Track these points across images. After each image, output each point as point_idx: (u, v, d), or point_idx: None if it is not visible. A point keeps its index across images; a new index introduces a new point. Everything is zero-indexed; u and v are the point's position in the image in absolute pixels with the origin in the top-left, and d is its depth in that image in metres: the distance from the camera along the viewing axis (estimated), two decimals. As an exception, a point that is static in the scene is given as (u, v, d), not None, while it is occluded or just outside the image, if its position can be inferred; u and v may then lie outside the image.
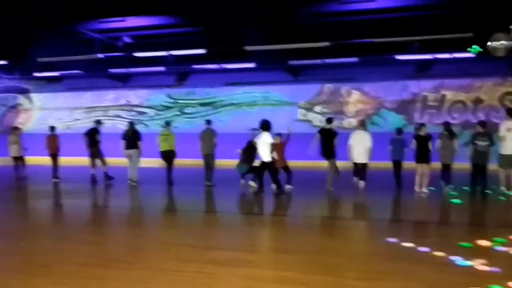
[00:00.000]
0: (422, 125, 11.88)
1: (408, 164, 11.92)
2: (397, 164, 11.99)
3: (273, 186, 11.59)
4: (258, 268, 5.52)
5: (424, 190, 11.41)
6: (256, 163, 12.06)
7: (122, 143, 13.43)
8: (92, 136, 13.83)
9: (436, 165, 11.71)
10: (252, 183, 12.21)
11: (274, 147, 11.40)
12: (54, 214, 10.24)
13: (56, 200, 12.11)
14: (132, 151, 13.36)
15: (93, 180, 13.86)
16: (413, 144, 11.53)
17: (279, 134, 12.16)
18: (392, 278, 5.09)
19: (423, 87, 18.70)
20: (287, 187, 11.86)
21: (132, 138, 13.40)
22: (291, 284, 4.93)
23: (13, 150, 15.18)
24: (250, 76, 20.10)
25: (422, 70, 18.40)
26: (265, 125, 11.49)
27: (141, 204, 11.37)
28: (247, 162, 12.38)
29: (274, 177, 11.47)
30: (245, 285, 4.92)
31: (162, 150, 13.29)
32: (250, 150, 12.35)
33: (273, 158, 11.40)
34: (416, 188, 11.50)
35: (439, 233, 7.88)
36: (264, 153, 11.35)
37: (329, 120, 12.49)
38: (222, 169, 13.32)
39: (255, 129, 12.41)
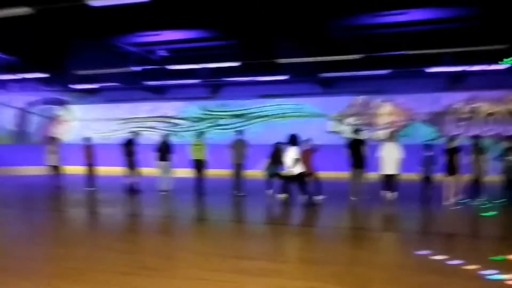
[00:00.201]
0: (453, 137, 11.86)
1: (438, 176, 11.82)
2: (428, 179, 11.84)
3: (304, 197, 11.71)
4: (288, 278, 5.54)
5: (454, 202, 11.34)
6: (284, 173, 12.16)
7: (155, 155, 13.85)
8: (129, 147, 14.19)
9: (467, 177, 11.64)
10: (280, 195, 12.30)
11: (302, 157, 11.55)
12: (90, 223, 10.51)
13: (91, 208, 12.44)
14: (164, 163, 13.78)
15: (130, 189, 14.17)
16: (443, 157, 11.48)
17: (307, 141, 12.31)
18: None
19: (455, 99, 18.53)
20: (317, 198, 12.00)
21: (164, 151, 13.80)
22: (320, 294, 4.98)
23: (51, 160, 15.69)
24: (282, 89, 20.30)
25: (454, 82, 18.27)
26: (293, 140, 11.62)
27: (172, 214, 11.54)
28: (275, 164, 12.53)
29: (304, 188, 11.60)
30: (274, 294, 4.99)
31: (194, 159, 13.63)
32: (276, 153, 12.56)
33: (302, 171, 11.55)
34: (447, 201, 11.43)
35: (471, 246, 7.79)
36: (291, 166, 11.51)
37: (357, 131, 12.51)
38: (253, 180, 13.46)
39: (279, 143, 12.64)
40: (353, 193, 12.02)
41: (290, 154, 11.44)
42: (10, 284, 5.45)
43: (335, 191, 13.48)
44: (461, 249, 7.53)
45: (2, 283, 5.48)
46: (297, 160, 11.36)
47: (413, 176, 12.14)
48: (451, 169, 11.34)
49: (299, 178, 11.54)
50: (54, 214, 11.48)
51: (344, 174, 12.67)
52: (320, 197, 12.03)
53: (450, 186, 11.46)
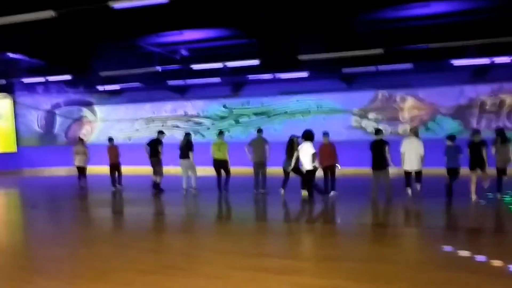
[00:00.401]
0: (476, 131, 11.67)
1: (463, 170, 11.64)
2: (453, 171, 11.48)
3: (304, 192, 11.78)
4: (309, 275, 5.56)
5: (480, 196, 11.20)
6: (299, 168, 12.15)
7: (178, 153, 13.99)
8: (154, 146, 14.31)
9: (492, 171, 11.47)
10: (303, 192, 12.24)
11: (323, 151, 11.57)
12: (114, 222, 10.71)
13: (116, 208, 12.65)
14: (185, 161, 13.83)
15: (154, 188, 14.34)
16: (467, 151, 11.31)
17: (326, 134, 12.30)
18: (448, 287, 5.07)
19: (480, 92, 18.25)
20: (331, 193, 12.06)
21: (185, 149, 13.87)
22: (344, 291, 4.97)
23: (78, 160, 15.96)
24: (304, 85, 20.25)
25: (479, 75, 17.97)
26: (308, 135, 11.66)
27: (195, 212, 11.65)
28: (290, 158, 12.51)
29: (309, 184, 11.64)
30: (297, 292, 4.99)
31: (215, 158, 13.69)
32: (290, 146, 12.49)
33: (315, 167, 11.56)
34: (472, 195, 11.28)
35: (497, 241, 7.68)
36: (306, 162, 11.49)
37: (378, 131, 12.25)
38: (275, 177, 13.48)
39: (294, 136, 12.61)
40: (374, 193, 11.87)
41: (305, 150, 11.44)
42: (35, 283, 5.59)
43: (357, 187, 13.43)
44: (487, 244, 7.43)
45: (28, 282, 5.63)
46: (312, 156, 11.35)
47: (438, 170, 12.02)
48: (477, 163, 11.17)
49: (309, 174, 11.55)
50: (79, 214, 11.71)
51: (366, 170, 12.56)
52: (333, 193, 12.12)
53: (476, 180, 11.30)
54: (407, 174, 11.98)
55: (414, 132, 12.24)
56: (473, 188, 11.28)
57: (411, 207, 11.12)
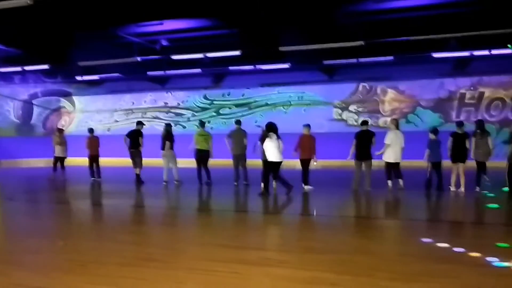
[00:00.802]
0: (461, 123, 11.73)
1: (445, 162, 11.72)
2: (438, 165, 11.60)
3: (277, 183, 11.76)
4: (290, 268, 5.50)
5: (461, 189, 11.30)
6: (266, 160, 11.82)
7: (161, 144, 13.79)
8: (134, 137, 14.10)
9: (472, 164, 11.57)
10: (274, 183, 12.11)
11: (302, 143, 11.70)
12: (93, 214, 10.53)
13: (94, 200, 12.50)
14: (166, 152, 13.66)
15: (135, 180, 14.19)
16: (449, 142, 11.38)
17: (308, 125, 12.27)
18: (427, 279, 5.01)
19: (460, 84, 18.46)
20: (306, 188, 12.07)
21: (167, 141, 13.70)
22: (323, 284, 4.90)
23: (57, 151, 15.72)
24: (285, 77, 20.24)
25: (459, 68, 18.13)
26: (271, 128, 11.48)
27: (176, 204, 11.56)
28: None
29: (278, 176, 11.54)
30: (277, 285, 4.93)
31: (199, 148, 13.52)
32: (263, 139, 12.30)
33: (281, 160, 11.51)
34: (452, 187, 11.38)
35: (475, 233, 7.76)
36: (270, 154, 11.37)
37: (365, 122, 12.47)
38: (256, 169, 13.42)
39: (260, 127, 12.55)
40: (356, 183, 11.95)
41: (270, 142, 11.36)
42: (11, 275, 5.47)
43: (338, 179, 13.46)
44: (466, 236, 7.52)
45: (5, 275, 5.50)
46: (278, 148, 11.30)
47: (418, 163, 12.09)
48: (459, 155, 11.23)
49: (276, 166, 11.46)
50: (58, 206, 11.52)
51: (348, 162, 12.58)
52: (307, 187, 12.13)
53: (457, 172, 11.38)
54: (389, 166, 12.01)
55: (395, 124, 12.28)
56: (454, 179, 11.36)
57: (391, 199, 11.18)
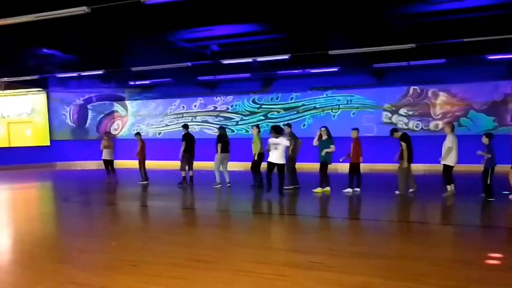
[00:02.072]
0: None
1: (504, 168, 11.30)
2: (487, 170, 10.99)
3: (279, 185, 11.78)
4: (338, 272, 5.51)
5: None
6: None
7: (216, 147, 13.75)
8: (188, 141, 14.36)
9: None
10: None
11: (352, 147, 11.76)
12: (144, 216, 10.82)
13: (145, 202, 12.79)
14: (221, 156, 13.65)
15: (185, 183, 14.43)
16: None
17: (356, 129, 12.23)
18: (478, 286, 4.96)
19: (516, 87, 17.86)
20: (349, 190, 12.07)
21: (217, 143, 13.71)
22: (371, 289, 4.91)
23: (105, 154, 16.15)
24: (334, 80, 20.17)
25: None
26: (276, 130, 11.70)
27: (226, 207, 11.65)
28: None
29: (282, 179, 11.71)
30: (323, 288, 4.95)
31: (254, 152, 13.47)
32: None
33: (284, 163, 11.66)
34: (512, 193, 10.95)
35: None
36: (277, 156, 11.49)
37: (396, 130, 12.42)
38: (305, 173, 13.40)
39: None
40: (403, 187, 11.78)
41: (277, 145, 11.49)
42: (65, 274, 5.70)
43: (386, 183, 13.27)
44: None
45: (58, 273, 5.75)
46: (282, 150, 11.51)
47: (471, 167, 11.77)
48: None
49: (280, 169, 11.59)
50: (110, 207, 11.87)
51: (395, 166, 12.37)
52: (358, 190, 12.16)
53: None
54: (450, 170, 11.69)
55: (451, 128, 11.92)
56: None
57: (444, 204, 10.92)
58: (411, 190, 11.90)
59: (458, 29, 13.81)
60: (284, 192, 11.83)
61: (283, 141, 11.54)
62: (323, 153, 12.20)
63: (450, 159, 11.55)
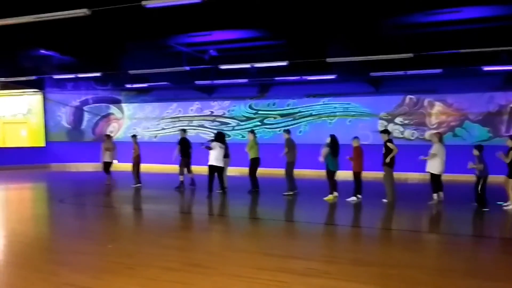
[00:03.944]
0: None
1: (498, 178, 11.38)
2: (480, 179, 11.18)
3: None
4: (333, 279, 5.54)
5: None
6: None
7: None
8: (185, 146, 14.47)
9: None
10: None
11: (353, 155, 11.85)
12: (140, 219, 10.81)
13: (141, 205, 12.76)
14: (226, 160, 13.65)
15: (182, 187, 14.44)
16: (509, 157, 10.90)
17: (357, 138, 12.30)
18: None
19: (511, 98, 17.98)
20: (354, 198, 12.05)
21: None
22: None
23: (106, 156, 16.15)
24: (331, 88, 20.25)
25: (510, 81, 17.69)
26: (218, 137, 12.82)
27: (223, 212, 11.64)
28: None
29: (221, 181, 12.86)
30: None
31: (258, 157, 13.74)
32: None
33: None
34: (506, 203, 10.99)
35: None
36: (212, 158, 12.48)
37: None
38: (302, 179, 13.44)
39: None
40: (391, 194, 11.88)
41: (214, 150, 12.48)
42: (61, 276, 5.72)
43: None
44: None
45: (55, 274, 5.76)
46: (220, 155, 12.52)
47: (467, 177, 11.83)
48: None
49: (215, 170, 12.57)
50: (106, 210, 11.85)
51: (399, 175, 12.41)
52: (359, 197, 12.17)
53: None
54: (435, 178, 11.81)
55: (439, 138, 12.07)
56: (509, 195, 10.97)
57: (437, 213, 10.98)
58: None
59: (455, 40, 13.92)
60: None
61: (216, 147, 12.50)
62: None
63: (434, 167, 11.67)
